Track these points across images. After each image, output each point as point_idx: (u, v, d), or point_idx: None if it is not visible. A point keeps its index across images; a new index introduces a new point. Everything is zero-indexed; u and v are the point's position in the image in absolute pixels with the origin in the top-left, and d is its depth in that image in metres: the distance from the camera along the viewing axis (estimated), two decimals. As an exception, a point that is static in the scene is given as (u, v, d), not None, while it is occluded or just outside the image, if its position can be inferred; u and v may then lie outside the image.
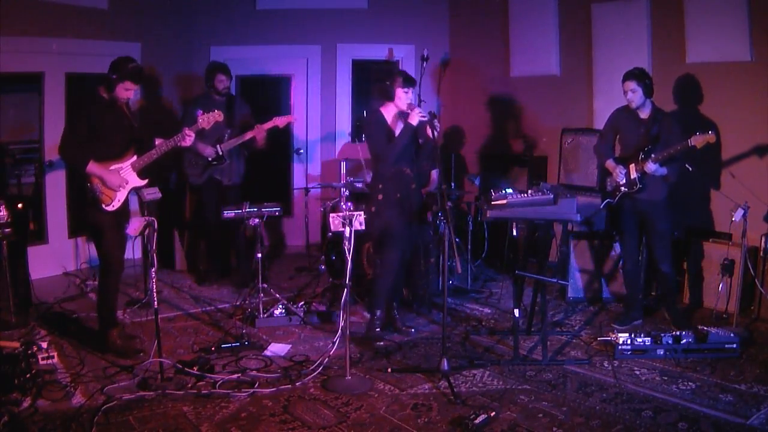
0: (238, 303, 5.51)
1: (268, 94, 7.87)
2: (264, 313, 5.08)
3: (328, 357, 4.25)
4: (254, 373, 4.16)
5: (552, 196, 4.24)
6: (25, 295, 5.21)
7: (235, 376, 4.08)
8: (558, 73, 6.73)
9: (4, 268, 4.88)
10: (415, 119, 4.56)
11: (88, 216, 4.38)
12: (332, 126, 7.75)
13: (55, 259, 6.41)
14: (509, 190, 4.32)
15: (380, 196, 4.71)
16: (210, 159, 5.91)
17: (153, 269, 4.05)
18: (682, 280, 5.49)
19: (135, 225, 4.25)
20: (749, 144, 5.20)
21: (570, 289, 5.69)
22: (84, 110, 4.28)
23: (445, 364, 4.01)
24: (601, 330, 4.92)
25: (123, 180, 4.37)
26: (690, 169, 4.77)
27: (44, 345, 4.29)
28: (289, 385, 3.97)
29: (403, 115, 4.69)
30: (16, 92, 6.33)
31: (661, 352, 4.36)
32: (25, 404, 3.61)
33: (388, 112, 4.75)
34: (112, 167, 4.34)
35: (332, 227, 4.13)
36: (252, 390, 3.88)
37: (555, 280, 4.71)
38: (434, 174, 6.01)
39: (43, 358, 4.14)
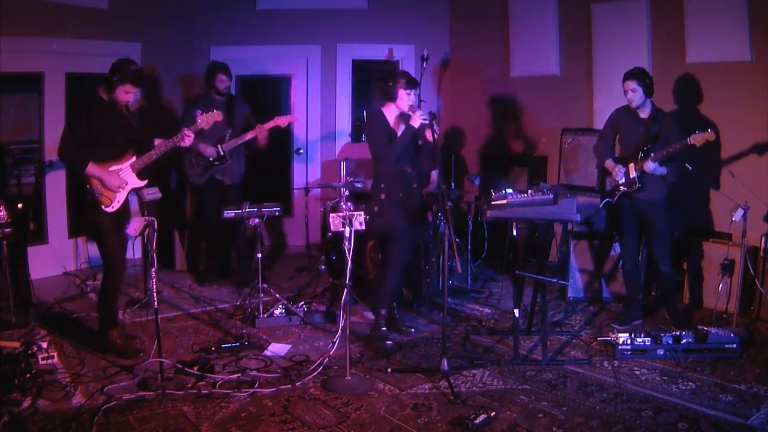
0: (238, 303, 5.51)
1: (268, 94, 7.88)
2: (264, 313, 5.08)
3: (328, 357, 4.25)
4: (254, 373, 4.16)
5: (552, 196, 4.24)
6: (25, 295, 5.21)
7: (235, 376, 4.08)
8: (558, 73, 6.73)
9: (4, 268, 4.88)
10: (416, 122, 4.56)
11: (88, 217, 4.38)
12: (332, 126, 7.75)
13: (55, 259, 6.42)
14: (509, 190, 4.32)
15: (383, 196, 4.71)
16: (211, 159, 5.92)
17: (153, 269, 4.05)
18: (682, 280, 5.49)
19: (135, 225, 4.25)
20: (749, 144, 5.20)
21: (570, 289, 5.69)
22: (83, 111, 4.28)
23: (445, 364, 4.01)
24: (601, 330, 4.92)
25: (122, 181, 4.37)
26: (690, 168, 4.77)
27: (44, 345, 4.29)
28: (289, 385, 3.97)
29: (404, 117, 4.68)
30: (16, 92, 6.33)
31: (661, 352, 4.36)
32: (25, 404, 3.61)
33: (390, 112, 4.74)
34: (112, 168, 4.34)
35: (332, 227, 4.13)
36: (252, 390, 3.88)
37: (555, 280, 4.70)
38: (434, 174, 6.01)
39: (43, 358, 4.14)
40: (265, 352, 4.52)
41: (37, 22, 6.09)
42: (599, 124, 5.81)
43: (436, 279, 5.59)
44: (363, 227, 4.12)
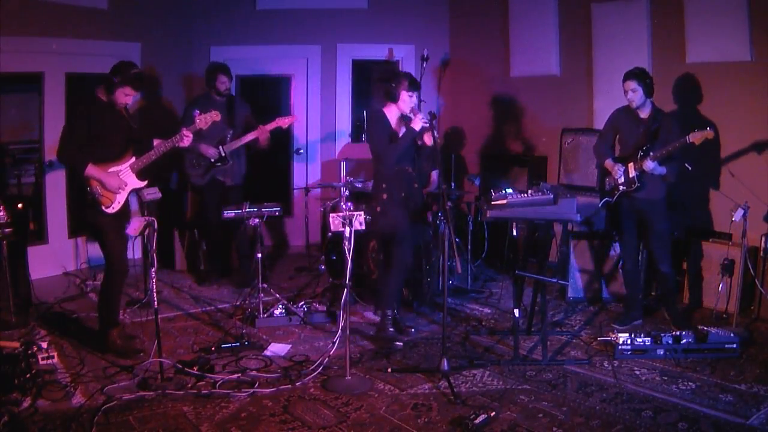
0: (238, 303, 5.51)
1: (268, 94, 7.88)
2: (264, 313, 5.08)
3: (328, 357, 4.25)
4: (254, 373, 4.16)
5: (552, 196, 4.24)
6: (25, 295, 5.21)
7: (235, 376, 4.08)
8: (558, 73, 6.73)
9: (4, 268, 4.88)
10: (418, 125, 4.57)
11: (89, 217, 4.38)
12: (332, 126, 7.75)
13: (55, 259, 6.41)
14: (509, 190, 4.31)
15: (385, 196, 4.70)
16: (213, 160, 5.92)
17: (153, 269, 4.05)
18: (682, 280, 5.49)
19: (135, 225, 4.25)
20: (749, 144, 5.19)
21: (570, 289, 5.69)
22: (83, 112, 4.28)
23: (445, 364, 4.01)
24: (601, 330, 4.92)
25: (122, 182, 4.37)
26: (689, 168, 4.77)
27: (44, 345, 4.29)
28: (289, 385, 3.97)
29: (405, 119, 4.68)
30: (16, 92, 6.33)
31: (661, 352, 4.36)
32: (25, 404, 3.61)
33: (391, 113, 4.74)
34: (111, 169, 4.34)
35: (332, 227, 4.13)
36: (252, 390, 3.88)
37: (555, 280, 4.70)
38: (434, 175, 6.01)
39: (43, 358, 4.13)
40: (265, 352, 4.52)
41: (37, 22, 6.09)
42: (599, 124, 5.81)
43: (436, 279, 5.59)
44: (363, 227, 4.12)
